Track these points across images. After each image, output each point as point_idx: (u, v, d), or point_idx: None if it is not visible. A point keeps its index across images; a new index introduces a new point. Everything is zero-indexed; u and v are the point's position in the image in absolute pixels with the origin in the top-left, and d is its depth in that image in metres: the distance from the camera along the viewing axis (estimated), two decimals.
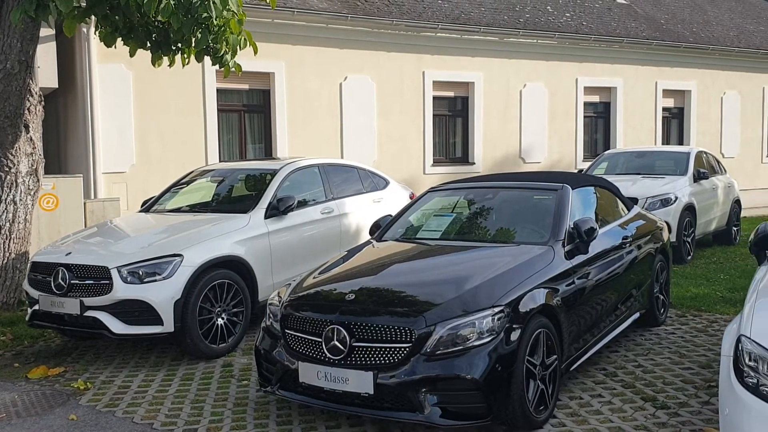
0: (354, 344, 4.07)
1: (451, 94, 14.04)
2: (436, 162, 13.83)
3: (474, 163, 14.14)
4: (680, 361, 5.52)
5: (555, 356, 4.43)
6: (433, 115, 13.69)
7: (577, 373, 5.16)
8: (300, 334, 4.32)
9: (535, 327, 4.25)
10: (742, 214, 12.58)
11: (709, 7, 19.66)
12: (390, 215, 6.15)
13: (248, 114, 12.12)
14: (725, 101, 17.57)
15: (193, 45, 5.85)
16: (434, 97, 13.67)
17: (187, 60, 6.18)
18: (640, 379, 5.11)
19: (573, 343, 4.79)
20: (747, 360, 3.17)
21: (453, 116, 14.24)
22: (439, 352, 3.94)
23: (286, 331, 4.42)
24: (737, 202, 11.95)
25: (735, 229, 11.83)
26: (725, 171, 12.26)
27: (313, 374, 4.16)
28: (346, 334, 4.09)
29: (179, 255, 5.80)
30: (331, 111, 12.49)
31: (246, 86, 11.85)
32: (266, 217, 6.62)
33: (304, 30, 12.09)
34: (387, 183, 8.46)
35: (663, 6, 18.50)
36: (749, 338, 3.21)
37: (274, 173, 7.11)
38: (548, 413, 4.34)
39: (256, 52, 5.95)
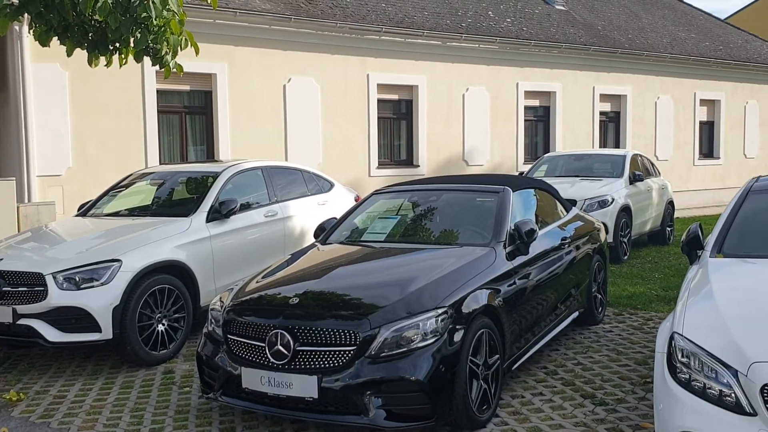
0: (298, 348, 4.05)
1: (395, 97, 14.12)
2: (382, 164, 13.88)
3: (419, 166, 14.25)
4: (617, 358, 5.68)
5: (497, 356, 4.50)
6: (378, 117, 13.73)
7: (519, 372, 5.25)
8: (243, 340, 4.27)
9: (477, 327, 4.31)
10: (676, 214, 13.05)
11: (644, 15, 20.32)
12: (335, 218, 6.15)
13: (189, 115, 11.91)
14: (659, 106, 18.19)
15: (131, 45, 5.70)
16: (379, 100, 13.72)
17: (125, 60, 6.02)
18: (580, 376, 5.24)
19: (515, 343, 4.88)
20: (680, 356, 3.29)
21: (398, 119, 14.32)
22: (383, 354, 3.96)
23: (229, 336, 4.37)
24: (671, 204, 12.39)
25: (669, 229, 12.25)
26: (659, 173, 12.69)
27: (257, 379, 4.12)
28: (290, 338, 4.06)
29: (118, 260, 5.66)
30: (275, 113, 12.39)
31: (187, 87, 11.65)
32: (208, 220, 6.52)
33: (247, 31, 11.96)
34: (332, 185, 8.44)
35: (600, 13, 19.03)
36: (681, 335, 3.34)
37: (216, 176, 7.01)
38: (491, 412, 4.40)
39: (197, 53, 5.86)
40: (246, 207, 7.07)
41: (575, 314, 6.25)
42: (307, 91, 12.72)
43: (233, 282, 5.76)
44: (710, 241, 4.30)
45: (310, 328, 4.07)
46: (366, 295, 4.36)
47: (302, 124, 12.65)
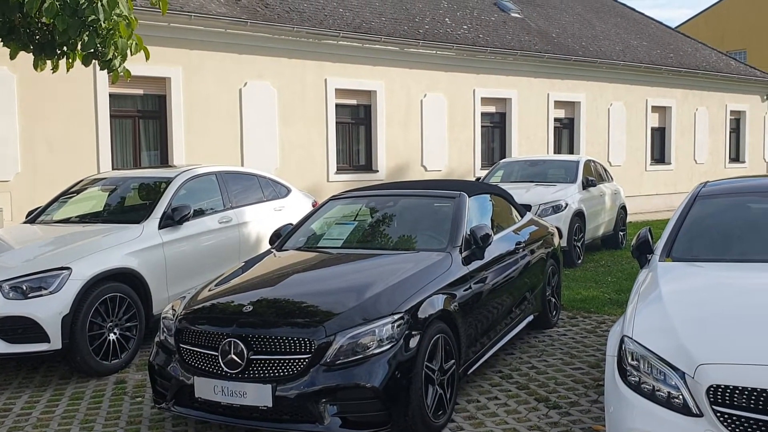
0: (252, 357, 4.00)
1: (353, 102, 14.12)
2: (340, 169, 13.86)
3: (377, 171, 14.27)
4: (571, 361, 5.76)
5: (453, 361, 4.52)
6: (336, 122, 13.71)
7: (475, 377, 5.28)
8: (195, 349, 4.20)
9: (433, 333, 4.33)
10: (628, 219, 13.34)
11: (597, 23, 20.75)
12: (291, 224, 6.10)
13: (143, 120, 11.71)
14: (612, 112, 18.58)
15: (79, 48, 5.56)
16: (337, 105, 13.70)
17: (72, 65, 5.87)
18: (534, 380, 5.30)
19: (471, 347, 4.90)
20: (630, 359, 3.34)
21: (356, 124, 14.32)
22: (339, 361, 3.94)
23: (181, 345, 4.29)
24: (623, 208, 12.65)
25: (622, 233, 12.51)
26: (612, 178, 12.95)
27: (210, 389, 4.05)
28: (243, 347, 4.01)
29: (67, 268, 5.52)
30: (230, 117, 12.26)
31: (140, 91, 11.45)
32: (160, 227, 6.40)
33: (202, 35, 11.82)
34: (289, 191, 8.38)
35: (554, 20, 19.36)
36: (631, 339, 3.39)
37: (168, 181, 6.89)
38: (446, 418, 4.41)
39: (147, 58, 5.74)
40: (200, 213, 6.96)
41: (530, 318, 6.31)
42: (264, 95, 12.63)
43: (187, 290, 5.67)
44: (659, 246, 4.39)
45: (264, 336, 4.02)
46: (322, 301, 4.33)
47: (259, 128, 12.55)
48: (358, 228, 5.88)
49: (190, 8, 11.58)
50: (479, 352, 5.10)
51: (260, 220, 7.56)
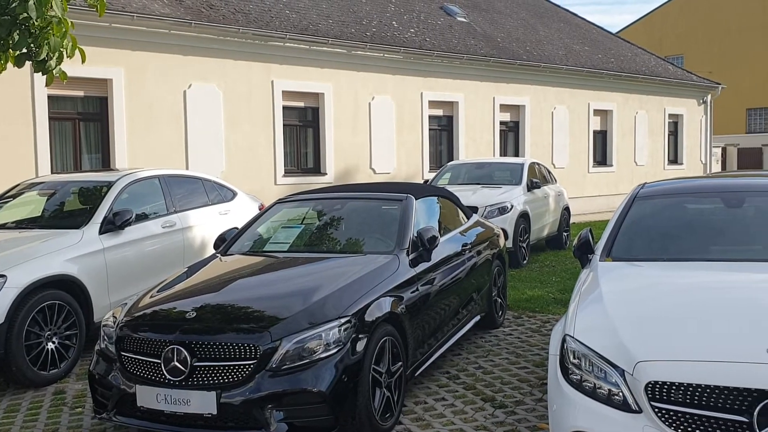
0: (196, 364, 3.93)
1: (301, 104, 14.04)
2: (288, 172, 13.76)
3: (326, 174, 14.22)
4: (517, 361, 5.85)
5: (400, 363, 4.53)
6: (284, 125, 13.62)
7: (422, 378, 5.31)
8: (137, 356, 4.11)
9: (380, 335, 4.33)
10: (572, 220, 13.63)
11: (541, 28, 21.16)
12: (236, 228, 6.03)
13: (83, 122, 11.39)
14: (555, 115, 18.96)
15: (10, 49, 5.35)
16: (284, 107, 13.60)
17: (4, 66, 5.65)
18: (481, 380, 5.36)
19: (418, 349, 4.93)
20: (571, 358, 3.40)
21: (304, 126, 14.24)
22: (285, 366, 3.90)
23: (122, 353, 4.18)
24: (567, 209, 12.92)
25: (565, 234, 12.77)
26: (556, 180, 13.22)
27: (152, 397, 3.96)
28: (186, 354, 3.94)
29: (2, 276, 5.33)
30: (175, 119, 12.04)
31: (81, 93, 11.14)
32: (101, 232, 6.24)
33: (145, 35, 11.58)
34: (234, 194, 8.28)
35: (499, 25, 19.66)
36: (573, 337, 3.45)
37: (109, 185, 6.71)
38: (394, 420, 4.42)
39: (84, 60, 5.56)
40: (142, 218, 6.81)
41: (477, 318, 6.39)
42: (209, 97, 12.45)
43: (129, 296, 5.53)
44: (600, 246, 4.49)
45: (208, 342, 3.96)
46: (267, 306, 4.29)
47: (204, 131, 12.36)
48: (304, 231, 5.84)
49: (132, 9, 11.33)
50: (427, 354, 5.13)
51: (205, 224, 7.44)
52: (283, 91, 13.50)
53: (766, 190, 5.07)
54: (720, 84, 24.05)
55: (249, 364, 3.90)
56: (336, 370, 3.95)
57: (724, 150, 27.96)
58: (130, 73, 11.48)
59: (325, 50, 13.95)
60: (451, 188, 10.51)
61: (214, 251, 5.82)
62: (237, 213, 7.87)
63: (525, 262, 10.68)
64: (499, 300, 7.00)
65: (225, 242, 5.71)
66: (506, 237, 9.66)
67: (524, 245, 10.71)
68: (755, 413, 2.82)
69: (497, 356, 5.99)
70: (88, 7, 9.91)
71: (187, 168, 11.83)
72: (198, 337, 4.00)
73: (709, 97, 23.67)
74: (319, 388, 3.88)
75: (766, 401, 2.82)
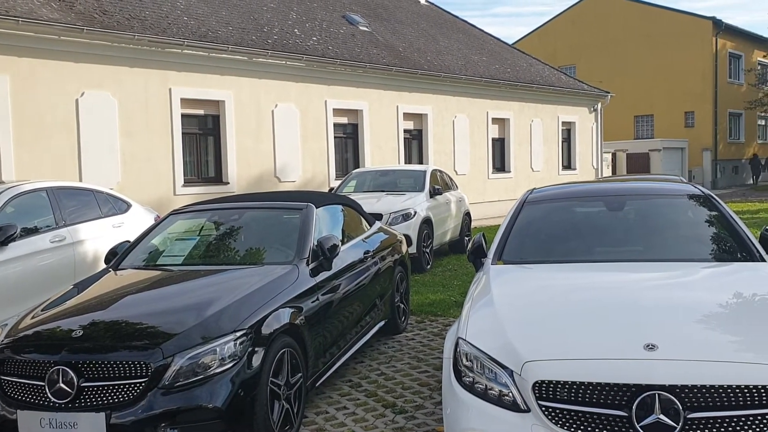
0: (83, 384, 3.76)
1: (201, 112, 13.74)
2: (188, 182, 13.41)
3: (228, 183, 13.95)
4: (418, 365, 5.93)
5: (300, 374, 4.50)
6: (183, 133, 13.27)
7: (324, 388, 5.29)
8: (19, 380, 3.89)
9: (279, 347, 4.29)
10: (473, 225, 13.99)
11: (441, 38, 21.64)
12: (128, 241, 5.82)
13: None
14: (456, 124, 19.42)
15: None
16: (183, 115, 13.26)
17: None
18: (382, 386, 5.40)
19: (320, 358, 4.91)
20: (464, 361, 3.48)
21: (204, 135, 13.93)
22: (178, 383, 3.79)
23: (3, 377, 3.95)
24: (468, 215, 13.26)
25: (467, 238, 13.09)
26: (457, 187, 13.55)
27: (36, 422, 3.76)
28: (73, 374, 3.76)
29: None
30: (67, 129, 11.50)
31: None
32: None
33: (32, 41, 11.01)
34: (129, 206, 8.00)
35: (401, 35, 19.96)
36: (465, 340, 3.53)
37: None
38: None
39: None
40: (29, 232, 6.48)
41: (380, 324, 6.43)
42: (103, 105, 11.97)
43: (13, 316, 5.23)
44: (491, 250, 4.64)
45: (96, 361, 3.80)
46: (160, 322, 4.15)
47: (98, 140, 11.87)
48: (200, 243, 5.71)
49: (17, 13, 10.75)
50: (328, 363, 5.12)
51: (98, 238, 7.15)
52: (181, 99, 13.17)
53: (645, 194, 5.39)
54: (609, 93, 25.35)
55: (140, 383, 3.76)
56: (232, 384, 3.87)
57: (614, 155, 29.46)
58: (17, 81, 10.88)
59: (225, 57, 13.72)
60: (356, 196, 10.59)
61: (105, 266, 5.60)
62: (132, 225, 7.61)
63: (428, 266, 10.87)
64: (402, 305, 7.09)
65: (116, 256, 5.50)
66: (410, 243, 9.83)
67: (428, 250, 10.90)
68: (634, 407, 2.95)
69: (399, 362, 6.05)
70: None
71: (80, 180, 11.32)
72: (85, 356, 3.83)
73: (600, 105, 24.90)
74: (215, 404, 3.80)
75: (643, 395, 2.96)
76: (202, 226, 5.94)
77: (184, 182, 13.28)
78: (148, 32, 12.51)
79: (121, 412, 3.73)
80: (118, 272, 5.24)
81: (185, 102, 13.28)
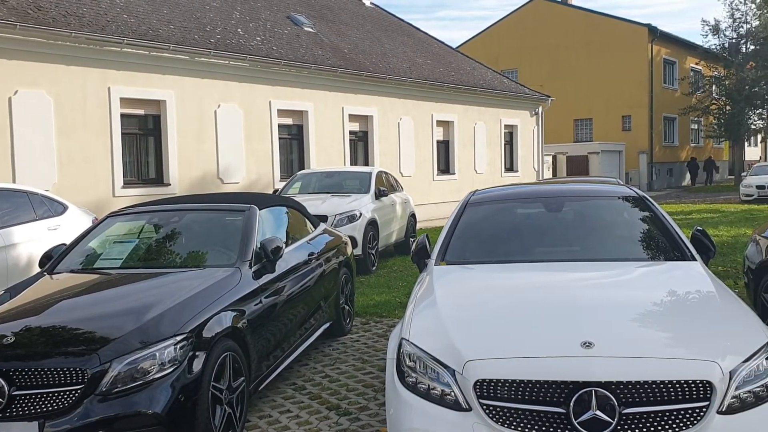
0: (14, 393, 3.63)
1: (141, 112, 13.44)
2: (128, 183, 13.09)
3: (170, 184, 13.68)
4: (363, 367, 5.94)
5: (242, 378, 4.45)
6: (122, 133, 12.95)
7: (268, 391, 5.24)
8: None
9: (220, 351, 4.23)
10: (419, 226, 14.09)
11: (386, 41, 21.73)
12: (64, 244, 5.64)
13: None
14: (402, 126, 19.53)
15: None
16: (123, 115, 12.95)
17: None
18: (327, 389, 5.38)
19: (263, 362, 4.86)
20: (407, 361, 3.50)
21: (145, 135, 13.63)
22: (116, 390, 3.70)
23: None
24: (413, 216, 13.35)
25: (412, 240, 13.15)
26: (402, 188, 13.62)
27: None
28: (4, 382, 3.63)
29: None
30: None
31: None
32: None
33: None
34: (65, 208, 7.76)
35: (346, 37, 19.96)
36: (408, 341, 3.56)
37: None
38: None
39: None
40: None
41: (325, 326, 6.41)
42: (38, 104, 11.58)
43: None
44: (435, 251, 4.68)
45: (29, 369, 3.67)
46: (97, 327, 4.04)
47: (32, 141, 11.48)
48: (140, 246, 5.59)
49: None
50: (272, 366, 5.07)
51: (32, 241, 6.92)
52: (121, 98, 12.85)
53: (582, 196, 5.53)
54: (549, 96, 25.92)
55: (76, 390, 3.65)
56: (172, 389, 3.80)
57: (554, 158, 30.11)
58: None
59: (166, 56, 13.45)
60: (301, 197, 10.54)
61: (40, 269, 5.42)
62: (68, 228, 7.38)
63: (374, 268, 10.89)
64: (347, 307, 7.08)
65: (51, 260, 5.33)
66: (355, 245, 9.83)
67: (373, 252, 10.92)
68: (571, 404, 3.02)
69: (344, 363, 6.04)
70: None
71: (14, 181, 10.92)
72: (17, 363, 3.70)
73: (541, 108, 25.43)
74: (154, 410, 3.72)
75: (580, 392, 3.03)
76: (142, 229, 5.81)
77: (124, 183, 12.96)
78: (86, 30, 12.17)
79: (56, 421, 3.61)
80: (53, 276, 5.08)
81: (125, 101, 12.97)
